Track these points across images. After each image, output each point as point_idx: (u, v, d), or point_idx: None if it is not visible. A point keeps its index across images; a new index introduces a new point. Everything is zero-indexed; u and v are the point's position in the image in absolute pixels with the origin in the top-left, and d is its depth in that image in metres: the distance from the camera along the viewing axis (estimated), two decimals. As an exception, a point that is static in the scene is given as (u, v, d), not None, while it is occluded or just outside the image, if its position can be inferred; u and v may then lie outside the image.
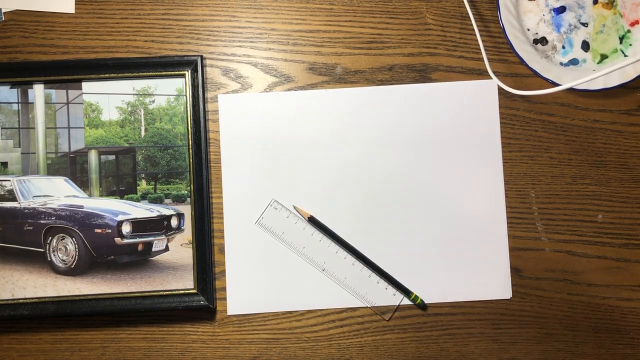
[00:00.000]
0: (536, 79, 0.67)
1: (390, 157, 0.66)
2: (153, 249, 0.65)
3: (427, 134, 0.66)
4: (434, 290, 0.66)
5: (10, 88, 0.66)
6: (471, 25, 0.67)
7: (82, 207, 0.65)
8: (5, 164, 0.66)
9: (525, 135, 0.67)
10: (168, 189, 0.66)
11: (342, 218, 0.66)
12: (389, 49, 0.67)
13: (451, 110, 0.67)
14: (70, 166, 0.66)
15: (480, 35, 0.66)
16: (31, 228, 0.65)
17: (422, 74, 0.67)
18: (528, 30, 0.67)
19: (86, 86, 0.66)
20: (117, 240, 0.65)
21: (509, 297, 0.66)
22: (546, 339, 0.66)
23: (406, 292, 0.65)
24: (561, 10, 0.66)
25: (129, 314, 0.65)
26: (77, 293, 0.65)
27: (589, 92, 0.66)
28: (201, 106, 0.65)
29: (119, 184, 0.66)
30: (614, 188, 0.67)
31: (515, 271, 0.66)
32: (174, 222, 0.66)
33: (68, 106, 0.66)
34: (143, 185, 0.66)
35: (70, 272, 0.65)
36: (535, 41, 0.67)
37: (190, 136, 0.65)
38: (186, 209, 0.66)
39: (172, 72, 0.66)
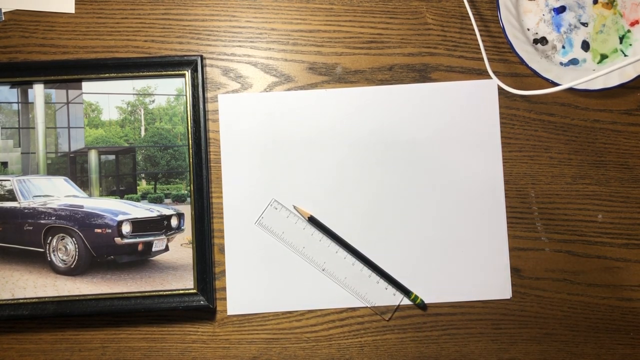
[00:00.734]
0: (536, 79, 0.67)
1: (390, 157, 0.66)
2: (153, 249, 0.65)
3: (427, 133, 0.66)
4: (434, 290, 0.66)
5: (10, 88, 0.66)
6: (471, 25, 0.67)
7: (82, 207, 0.65)
8: (5, 164, 0.66)
9: (525, 135, 0.67)
10: (168, 189, 0.66)
11: (342, 218, 0.66)
12: (389, 49, 0.67)
13: (451, 110, 0.67)
14: (70, 166, 0.66)
15: (480, 35, 0.66)
16: (31, 228, 0.65)
17: (422, 74, 0.67)
18: (528, 30, 0.67)
19: (86, 86, 0.66)
20: (117, 240, 0.65)
21: (509, 297, 0.66)
22: (546, 339, 0.66)
23: (406, 292, 0.65)
24: (561, 10, 0.66)
25: (129, 314, 0.65)
26: (77, 293, 0.65)
27: (589, 92, 0.66)
28: (201, 106, 0.65)
29: (119, 183, 0.66)
30: (614, 188, 0.67)
31: (515, 271, 0.66)
32: (174, 222, 0.66)
33: (68, 106, 0.66)
34: (143, 185, 0.66)
35: (70, 272, 0.65)
36: (535, 41, 0.67)
37: (190, 136, 0.65)
38: (186, 209, 0.66)
39: (172, 72, 0.66)
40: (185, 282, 0.65)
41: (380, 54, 0.67)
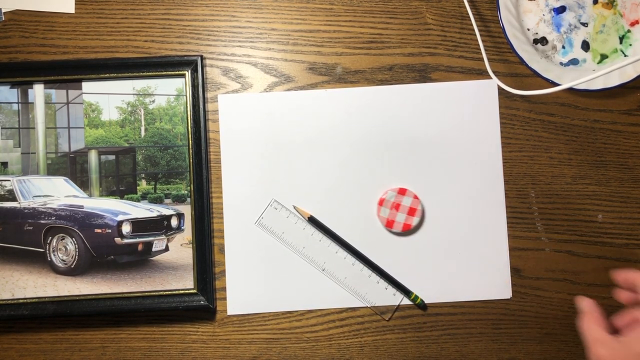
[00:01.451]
0: (536, 79, 0.67)
1: (390, 157, 0.66)
2: (153, 249, 0.65)
3: (427, 134, 0.66)
4: (434, 290, 0.66)
5: (10, 88, 0.66)
6: (471, 25, 0.67)
7: (82, 207, 0.65)
8: (5, 164, 0.66)
9: (525, 135, 0.67)
10: (168, 189, 0.66)
11: (342, 218, 0.66)
12: (389, 49, 0.67)
13: (451, 110, 0.67)
14: (70, 166, 0.66)
15: (480, 35, 0.66)
16: (31, 228, 0.65)
17: (422, 74, 0.67)
18: (528, 30, 0.67)
19: (86, 86, 0.66)
20: (117, 240, 0.65)
21: (509, 297, 0.66)
22: (546, 339, 0.66)
23: (406, 292, 0.65)
24: (561, 10, 0.66)
25: (129, 314, 0.65)
26: (77, 293, 0.65)
27: (589, 92, 0.66)
28: (201, 106, 0.65)
29: (119, 184, 0.66)
30: (614, 188, 0.67)
31: (515, 271, 0.66)
32: (174, 222, 0.66)
33: (68, 106, 0.66)
34: (143, 185, 0.66)
35: (70, 272, 0.65)
36: (535, 41, 0.67)
37: (190, 136, 0.65)
38: (186, 209, 0.66)
39: (172, 72, 0.66)
40: (185, 282, 0.65)
41: (380, 54, 0.67)
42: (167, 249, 0.66)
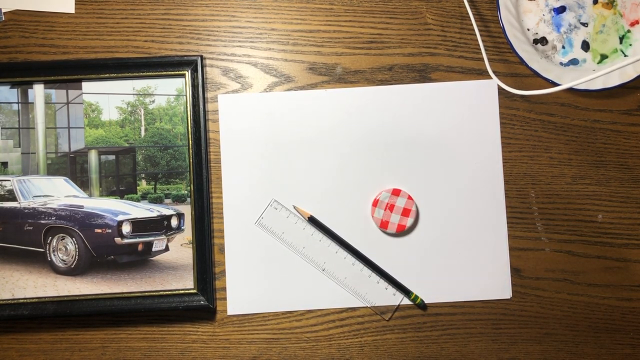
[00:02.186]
0: (536, 79, 0.67)
1: (390, 157, 0.66)
2: (153, 249, 0.65)
3: (427, 134, 0.66)
4: (434, 290, 0.66)
5: (10, 88, 0.66)
6: (471, 25, 0.67)
7: (82, 207, 0.65)
8: (5, 164, 0.66)
9: (525, 135, 0.67)
10: (168, 189, 0.66)
11: (342, 218, 0.66)
12: (389, 49, 0.67)
13: (451, 110, 0.67)
14: (70, 166, 0.66)
15: (480, 35, 0.66)
16: (31, 228, 0.65)
17: (422, 74, 0.67)
18: (528, 30, 0.67)
19: (86, 86, 0.66)
20: (117, 240, 0.65)
21: (509, 297, 0.66)
22: (546, 339, 0.66)
23: (406, 292, 0.65)
24: (561, 10, 0.66)
25: (129, 314, 0.65)
26: (77, 293, 0.65)
27: (589, 92, 0.66)
28: (201, 106, 0.65)
29: (119, 184, 0.66)
30: (614, 188, 0.67)
31: (515, 271, 0.66)
32: (174, 222, 0.66)
33: (68, 106, 0.66)
34: (143, 185, 0.66)
35: (70, 272, 0.65)
36: (535, 41, 0.67)
37: (190, 136, 0.65)
38: (186, 209, 0.66)
39: (172, 72, 0.66)
40: (185, 282, 0.65)
41: (380, 54, 0.67)
42: (167, 249, 0.66)
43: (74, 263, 0.65)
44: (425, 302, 0.65)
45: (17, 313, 0.64)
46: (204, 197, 0.65)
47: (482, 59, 0.67)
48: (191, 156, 0.65)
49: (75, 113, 0.66)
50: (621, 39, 0.66)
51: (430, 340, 0.66)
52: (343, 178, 0.66)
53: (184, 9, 0.67)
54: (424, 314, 0.66)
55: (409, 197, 0.65)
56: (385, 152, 0.66)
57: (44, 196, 0.65)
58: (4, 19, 0.67)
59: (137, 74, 0.66)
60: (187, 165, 0.66)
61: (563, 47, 0.67)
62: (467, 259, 0.66)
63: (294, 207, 0.66)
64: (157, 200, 0.66)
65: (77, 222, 0.65)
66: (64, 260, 0.65)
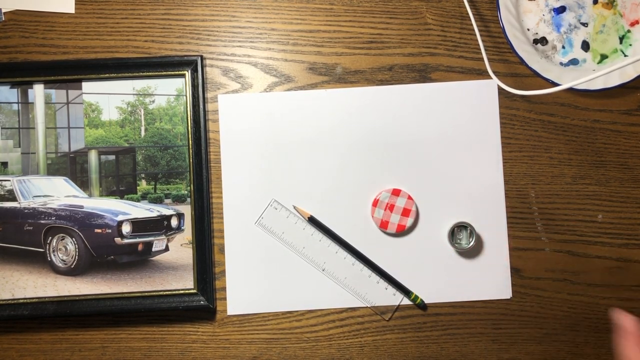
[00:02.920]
0: (536, 79, 0.67)
1: (390, 157, 0.66)
2: (153, 249, 0.65)
3: (427, 134, 0.66)
4: (434, 290, 0.66)
5: (10, 88, 0.66)
6: (471, 25, 0.67)
7: (82, 207, 0.65)
8: (5, 164, 0.66)
9: (525, 135, 0.67)
10: (168, 189, 0.66)
11: (342, 218, 0.66)
12: (389, 49, 0.67)
13: (451, 110, 0.67)
14: (70, 166, 0.66)
15: (480, 35, 0.66)
16: (31, 228, 0.65)
17: (422, 74, 0.67)
18: (528, 30, 0.67)
19: (86, 86, 0.66)
20: (117, 240, 0.65)
21: (509, 297, 0.66)
22: (546, 339, 0.66)
23: (406, 292, 0.65)
24: (561, 10, 0.66)
25: (129, 314, 0.65)
26: (77, 293, 0.65)
27: (589, 92, 0.66)
28: (201, 106, 0.65)
29: (119, 184, 0.66)
30: (614, 188, 0.67)
31: (515, 271, 0.66)
32: (174, 222, 0.66)
33: (68, 106, 0.66)
34: (143, 185, 0.66)
35: (70, 272, 0.65)
36: (535, 41, 0.67)
37: (190, 136, 0.65)
38: (186, 209, 0.66)
39: (172, 72, 0.66)
40: (185, 282, 0.65)
41: (380, 54, 0.67)
42: (167, 249, 0.66)
43: (74, 263, 0.65)
44: (425, 302, 0.65)
45: (17, 313, 0.64)
46: (204, 197, 0.65)
47: (482, 59, 0.67)
48: (191, 156, 0.65)
49: (75, 113, 0.66)
50: (621, 39, 0.66)
51: (430, 340, 0.66)
52: (343, 178, 0.66)
53: (184, 9, 0.67)
54: (424, 314, 0.66)
55: (409, 197, 0.65)
56: (385, 152, 0.66)
57: (44, 196, 0.65)
58: (4, 19, 0.67)
59: (137, 74, 0.66)
60: (187, 165, 0.66)
61: (563, 47, 0.67)
62: (467, 259, 0.66)
63: (294, 207, 0.66)
64: (157, 200, 0.66)
65: (77, 222, 0.65)
66: (64, 260, 0.65)
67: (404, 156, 0.66)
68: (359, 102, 0.67)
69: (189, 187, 0.66)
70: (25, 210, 0.65)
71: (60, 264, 0.65)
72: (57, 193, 0.66)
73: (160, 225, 0.66)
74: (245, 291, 0.65)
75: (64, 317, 0.65)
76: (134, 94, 0.66)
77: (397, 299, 0.65)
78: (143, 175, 0.66)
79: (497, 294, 0.66)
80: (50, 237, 0.65)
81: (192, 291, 0.65)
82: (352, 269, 0.66)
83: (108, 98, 0.66)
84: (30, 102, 0.66)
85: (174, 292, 0.65)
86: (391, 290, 0.65)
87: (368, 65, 0.67)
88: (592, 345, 0.66)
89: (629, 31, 0.66)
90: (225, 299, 0.65)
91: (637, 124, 0.67)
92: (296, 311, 0.66)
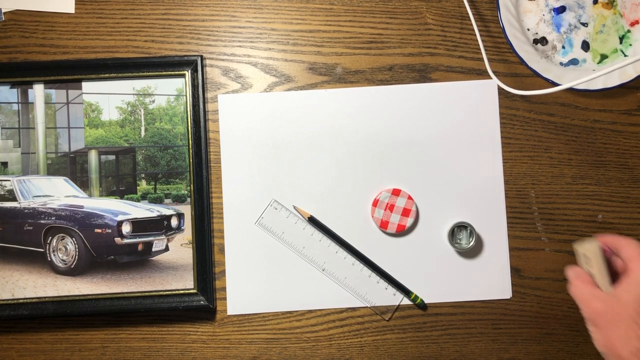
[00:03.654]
0: (536, 79, 0.67)
1: (390, 157, 0.66)
2: (153, 249, 0.65)
3: (427, 134, 0.66)
4: (434, 290, 0.66)
5: (10, 88, 0.66)
6: (471, 25, 0.67)
7: (82, 207, 0.65)
8: (5, 164, 0.66)
9: (525, 135, 0.67)
10: (168, 189, 0.66)
11: (342, 218, 0.66)
12: (389, 49, 0.67)
13: (451, 110, 0.67)
14: (70, 166, 0.66)
15: (480, 35, 0.66)
16: (31, 228, 0.65)
17: (422, 74, 0.67)
18: (528, 30, 0.67)
19: (86, 86, 0.66)
20: (117, 240, 0.65)
21: (509, 297, 0.66)
22: (546, 339, 0.66)
23: (406, 292, 0.65)
24: (561, 10, 0.66)
25: (129, 314, 0.65)
26: (77, 293, 0.65)
27: (589, 92, 0.66)
28: (201, 106, 0.65)
29: (119, 184, 0.66)
30: (614, 188, 0.67)
31: (515, 271, 0.66)
32: (174, 222, 0.66)
33: (68, 106, 0.66)
34: (143, 185, 0.66)
35: (70, 272, 0.65)
36: (535, 41, 0.67)
37: (190, 136, 0.65)
38: (186, 209, 0.66)
39: (172, 72, 0.66)
40: (185, 282, 0.65)
41: (380, 54, 0.67)
42: (167, 249, 0.66)
43: (74, 263, 0.65)
44: (425, 302, 0.65)
45: (17, 313, 0.64)
46: (204, 197, 0.65)
47: (482, 59, 0.67)
48: (191, 156, 0.65)
49: (75, 113, 0.66)
50: (621, 39, 0.66)
51: (430, 340, 0.66)
52: (343, 178, 0.66)
53: (184, 9, 0.67)
54: (424, 314, 0.66)
55: (409, 197, 0.65)
56: (385, 152, 0.66)
57: (44, 196, 0.65)
58: (4, 19, 0.67)
59: (137, 74, 0.66)
60: (187, 165, 0.66)
61: (563, 47, 0.67)
62: (467, 259, 0.66)
63: (294, 207, 0.66)
64: (157, 200, 0.66)
65: (77, 222, 0.65)
66: (64, 260, 0.65)
67: (403, 156, 0.66)
68: (359, 102, 0.67)
69: (189, 187, 0.66)
70: (25, 210, 0.65)
71: (60, 264, 0.65)
72: (57, 193, 0.66)
73: (160, 225, 0.66)
74: (245, 291, 0.65)
75: (64, 317, 0.65)
76: (134, 94, 0.66)
77: (397, 299, 0.65)
78: (143, 175, 0.66)
79: (497, 294, 0.66)
80: (50, 237, 0.65)
81: (192, 291, 0.65)
82: (352, 269, 0.66)
83: (108, 98, 0.66)
84: (30, 102, 0.66)
85: (174, 292, 0.65)
86: (391, 290, 0.65)
87: (368, 65, 0.67)
88: (592, 345, 0.66)
89: (629, 31, 0.66)
90: (225, 299, 0.65)
91: (637, 124, 0.67)
92: (296, 311, 0.66)
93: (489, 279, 0.66)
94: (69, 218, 0.65)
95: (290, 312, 0.66)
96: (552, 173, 0.67)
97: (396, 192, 0.65)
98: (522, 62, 0.65)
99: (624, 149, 0.67)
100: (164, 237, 0.66)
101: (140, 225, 0.66)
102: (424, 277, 0.66)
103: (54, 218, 0.65)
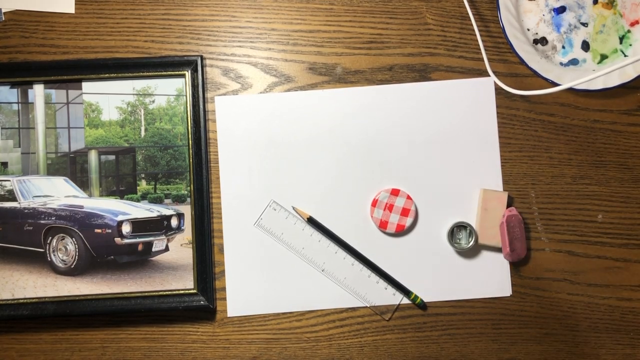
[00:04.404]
0: (536, 79, 0.67)
1: (389, 157, 0.66)
2: (153, 249, 0.65)
3: (426, 133, 0.66)
4: (434, 290, 0.66)
5: (10, 88, 0.66)
6: (471, 25, 0.67)
7: (82, 207, 0.65)
8: (5, 164, 0.66)
9: (525, 135, 0.67)
10: (168, 189, 0.66)
11: (342, 218, 0.66)
12: (389, 49, 0.67)
13: (449, 108, 0.67)
14: (70, 166, 0.66)
15: (480, 35, 0.66)
16: (31, 228, 0.65)
17: (422, 74, 0.67)
18: (528, 30, 0.67)
19: (86, 86, 0.66)
20: (117, 240, 0.65)
21: (509, 295, 0.66)
22: (546, 339, 0.66)
23: (406, 292, 0.65)
24: (561, 10, 0.66)
25: (129, 314, 0.65)
26: (77, 293, 0.65)
27: (589, 92, 0.66)
28: (201, 106, 0.65)
29: (119, 184, 0.66)
30: (614, 188, 0.67)
31: (515, 271, 0.66)
32: (174, 222, 0.66)
33: (68, 106, 0.66)
34: (143, 185, 0.66)
35: (70, 272, 0.65)
36: (535, 41, 0.67)
37: (190, 136, 0.65)
38: (186, 209, 0.66)
39: (172, 72, 0.66)
40: (185, 282, 0.65)
41: (380, 54, 0.67)
42: (167, 249, 0.66)
43: (74, 263, 0.65)
44: (425, 301, 0.65)
45: (17, 313, 0.64)
46: (204, 197, 0.65)
47: (482, 59, 0.67)
48: (191, 156, 0.65)
49: (75, 113, 0.66)
50: (621, 39, 0.66)
51: (430, 340, 0.66)
52: (342, 178, 0.66)
53: (184, 9, 0.67)
54: (424, 314, 0.66)
55: (408, 197, 0.65)
56: (384, 152, 0.66)
57: (44, 196, 0.66)
58: (4, 19, 0.67)
59: (137, 74, 0.66)
60: (187, 165, 0.66)
61: (563, 47, 0.67)
62: (467, 259, 0.66)
63: (293, 207, 0.66)
64: (157, 200, 0.66)
65: (77, 222, 0.65)
66: (64, 261, 0.65)
67: (402, 156, 0.66)
68: (359, 102, 0.67)
69: (189, 187, 0.66)
70: (25, 210, 0.65)
71: (60, 264, 0.65)
72: (57, 193, 0.66)
73: (160, 225, 0.66)
74: (245, 291, 0.65)
75: (64, 317, 0.65)
76: (134, 94, 0.67)
77: (397, 298, 0.65)
78: (143, 175, 0.66)
79: (496, 291, 0.66)
80: (50, 237, 0.65)
81: (192, 291, 0.65)
82: (351, 269, 0.66)
83: (108, 98, 0.66)
84: (30, 102, 0.66)
85: (174, 292, 0.65)
86: (391, 290, 0.65)
87: (368, 65, 0.67)
88: (592, 345, 0.66)
89: (629, 31, 0.66)
90: (225, 299, 0.65)
91: (637, 124, 0.67)
92: (296, 311, 0.66)
93: (489, 278, 0.66)
94: (69, 218, 0.65)
95: (290, 312, 0.66)
96: (552, 173, 0.67)
97: (395, 192, 0.65)
98: (522, 62, 0.65)
99: (624, 149, 0.67)
100: (164, 237, 0.66)
101: (140, 226, 0.66)
102: (424, 276, 0.66)
103: (54, 218, 0.65)
